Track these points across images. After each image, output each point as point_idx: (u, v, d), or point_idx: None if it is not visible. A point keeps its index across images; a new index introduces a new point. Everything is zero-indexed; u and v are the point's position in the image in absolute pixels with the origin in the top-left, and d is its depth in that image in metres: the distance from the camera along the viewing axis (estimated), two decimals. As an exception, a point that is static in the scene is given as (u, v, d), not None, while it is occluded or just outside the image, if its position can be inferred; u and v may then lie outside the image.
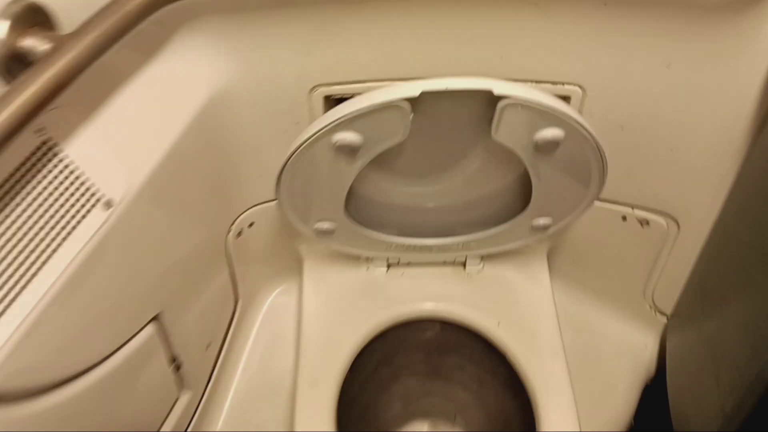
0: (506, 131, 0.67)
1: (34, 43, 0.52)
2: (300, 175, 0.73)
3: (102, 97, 0.62)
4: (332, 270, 1.00)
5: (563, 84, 0.76)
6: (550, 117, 0.66)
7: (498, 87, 0.62)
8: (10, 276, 0.52)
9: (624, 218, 0.94)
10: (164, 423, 0.85)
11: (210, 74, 0.74)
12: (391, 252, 0.93)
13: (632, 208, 0.93)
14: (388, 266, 0.99)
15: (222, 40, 0.71)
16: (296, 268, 1.03)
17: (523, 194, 0.82)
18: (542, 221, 0.85)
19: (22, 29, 0.52)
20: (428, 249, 0.93)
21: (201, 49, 0.71)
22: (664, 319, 1.05)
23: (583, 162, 0.72)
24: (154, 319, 0.75)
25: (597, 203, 0.92)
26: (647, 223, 0.93)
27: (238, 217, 0.94)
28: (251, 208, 0.94)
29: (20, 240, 0.53)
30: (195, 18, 0.69)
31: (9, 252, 0.53)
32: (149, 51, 0.68)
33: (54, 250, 0.56)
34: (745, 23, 0.66)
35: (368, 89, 0.70)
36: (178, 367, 0.85)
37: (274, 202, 0.90)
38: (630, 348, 1.09)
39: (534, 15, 0.69)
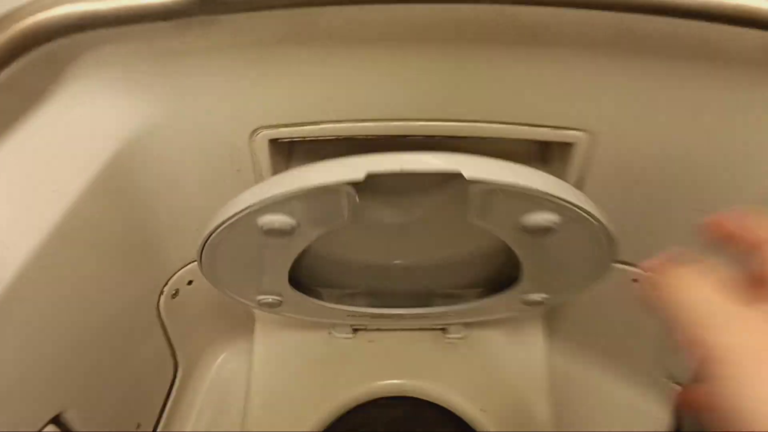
0: (484, 217, 0.51)
1: None
2: (227, 255, 0.58)
3: None
4: (288, 334, 0.84)
5: (566, 129, 0.60)
6: (541, 201, 0.49)
7: (470, 169, 0.46)
8: None
9: (635, 280, 0.78)
10: None
11: (120, 120, 0.58)
12: (354, 320, 0.78)
13: (645, 271, 0.76)
14: (354, 330, 0.83)
15: (135, 79, 0.56)
16: (248, 326, 0.88)
17: (512, 261, 0.66)
18: (536, 297, 0.69)
19: None
20: (398, 318, 0.77)
21: (106, 90, 0.56)
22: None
23: (586, 244, 0.56)
24: (54, 420, 0.60)
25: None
26: (665, 287, 0.77)
27: (173, 276, 0.78)
28: (188, 264, 0.79)
29: None
30: (96, 52, 0.53)
31: None
32: (32, 95, 0.53)
33: None
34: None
35: (321, 132, 0.58)
36: None
37: None
38: (640, 418, 0.92)
39: (531, 47, 0.52)
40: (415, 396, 0.81)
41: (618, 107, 0.58)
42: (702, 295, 0.29)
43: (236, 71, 0.56)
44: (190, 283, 0.80)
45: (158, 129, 0.60)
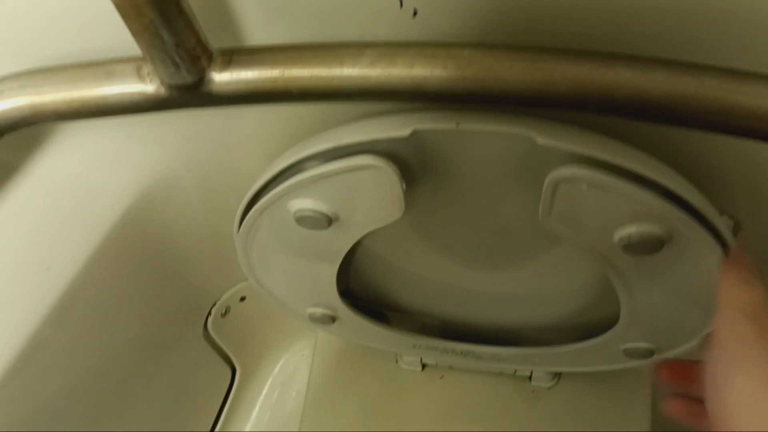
0: (563, 219, 0.40)
1: None
2: (263, 250, 0.50)
3: None
4: (351, 352, 0.75)
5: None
6: (647, 202, 0.37)
7: (544, 134, 0.35)
8: None
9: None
10: None
11: (132, 172, 0.54)
12: (422, 353, 0.67)
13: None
14: (423, 366, 0.72)
15: (137, 135, 0.50)
16: (311, 331, 0.79)
17: (612, 297, 0.53)
18: (639, 345, 0.55)
19: None
20: (474, 357, 0.65)
21: (113, 147, 0.51)
22: None
23: (701, 272, 0.43)
24: None
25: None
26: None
27: (220, 298, 0.74)
28: (238, 284, 0.74)
29: None
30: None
31: None
32: (30, 155, 0.48)
33: None
34: None
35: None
36: None
37: None
38: None
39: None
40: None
41: None
42: (746, 296, 0.34)
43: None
44: (242, 299, 0.75)
45: (170, 178, 0.55)
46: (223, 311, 0.73)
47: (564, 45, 0.34)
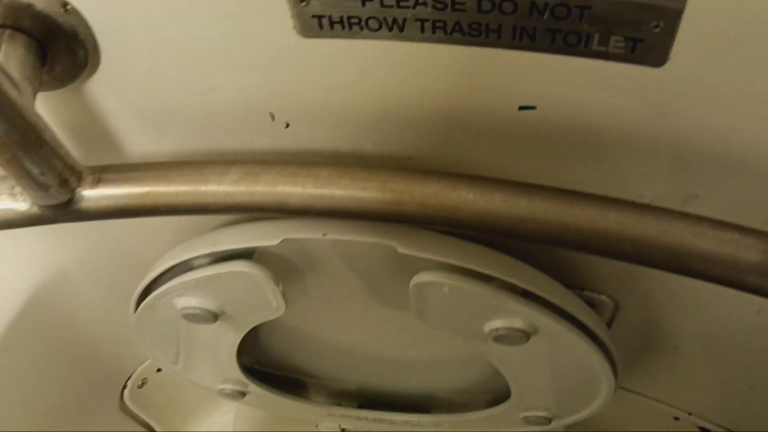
0: (433, 317, 0.41)
1: None
2: (158, 338, 0.51)
3: None
4: (271, 422, 0.75)
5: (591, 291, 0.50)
6: (503, 303, 0.39)
7: (404, 242, 0.37)
8: None
9: (676, 419, 0.66)
10: None
11: (31, 266, 0.54)
12: (338, 420, 0.68)
13: (689, 414, 0.64)
14: (342, 430, 0.73)
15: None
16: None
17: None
18: (538, 414, 0.57)
19: None
20: (389, 423, 0.67)
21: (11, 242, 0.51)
22: None
23: (574, 356, 0.45)
24: None
25: (641, 399, 0.65)
26: (707, 433, 0.64)
27: (135, 371, 0.73)
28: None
29: None
30: None
31: None
32: None
33: None
34: None
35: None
36: None
37: None
38: None
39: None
40: None
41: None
42: None
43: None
44: (159, 370, 0.74)
45: (65, 269, 0.55)
46: (140, 383, 0.73)
47: (422, 152, 0.36)
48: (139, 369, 0.72)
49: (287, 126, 0.40)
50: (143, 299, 0.46)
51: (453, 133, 0.38)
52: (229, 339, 0.49)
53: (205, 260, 0.41)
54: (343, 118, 0.39)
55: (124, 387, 0.72)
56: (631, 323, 0.52)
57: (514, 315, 0.40)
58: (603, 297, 0.50)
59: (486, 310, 0.40)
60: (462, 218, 0.34)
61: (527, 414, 0.58)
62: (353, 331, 0.56)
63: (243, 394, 0.62)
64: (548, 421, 0.58)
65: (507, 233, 0.34)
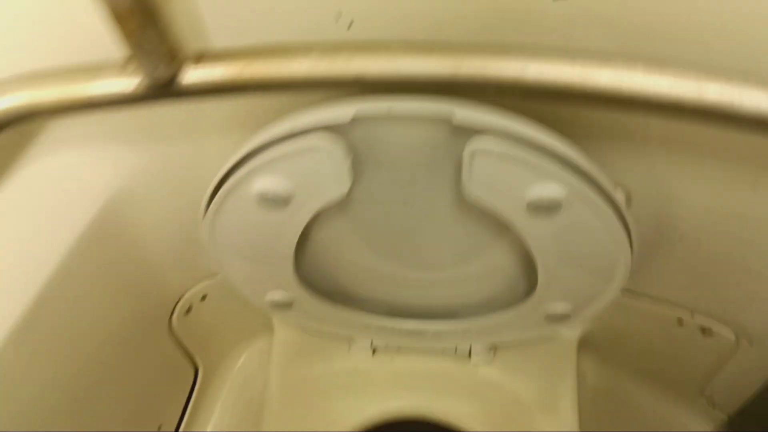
0: (480, 187, 0.48)
1: None
2: (228, 234, 0.57)
3: None
4: (307, 345, 0.81)
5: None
6: (544, 168, 0.46)
7: (460, 113, 0.44)
8: None
9: (680, 322, 0.73)
10: None
11: (106, 172, 0.60)
12: (370, 332, 0.75)
13: (692, 313, 0.71)
14: (374, 350, 0.79)
15: (114, 133, 0.57)
16: (269, 330, 0.85)
17: (530, 269, 0.62)
18: (559, 308, 0.64)
19: None
20: (418, 335, 0.73)
21: (88, 147, 0.58)
22: (722, 416, 0.82)
23: (597, 228, 0.52)
24: None
25: (646, 303, 0.72)
26: (710, 332, 0.71)
27: (183, 295, 0.80)
28: (200, 282, 0.80)
29: None
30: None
31: None
32: (15, 155, 0.54)
33: None
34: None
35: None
36: None
37: None
38: None
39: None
40: (434, 421, 0.76)
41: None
42: None
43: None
44: (203, 298, 0.81)
45: (142, 175, 0.61)
46: (186, 309, 0.79)
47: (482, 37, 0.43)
48: (188, 294, 0.78)
49: (350, 25, 0.46)
50: (219, 188, 0.52)
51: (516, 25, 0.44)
52: (293, 229, 0.55)
53: (281, 140, 0.47)
54: (407, 15, 0.46)
55: (173, 312, 0.78)
56: (640, 217, 0.58)
57: (553, 180, 0.46)
58: (618, 188, 0.56)
59: (528, 176, 0.46)
60: (523, 82, 0.40)
61: (549, 310, 0.64)
62: (391, 239, 0.62)
63: (289, 304, 0.68)
64: (567, 317, 0.65)
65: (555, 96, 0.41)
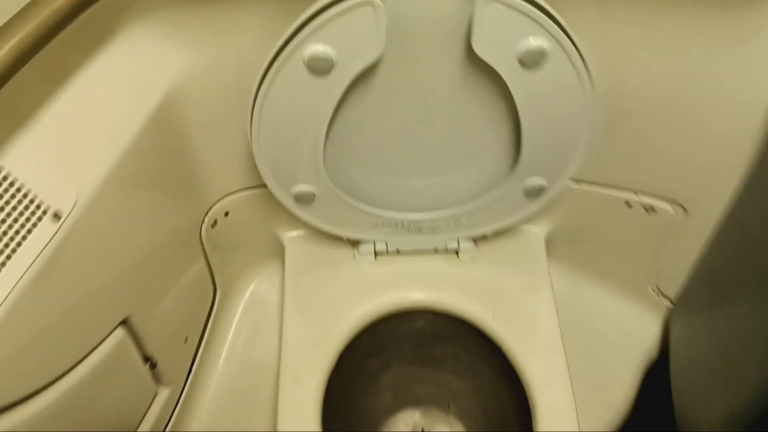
0: (485, 42, 0.63)
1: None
2: (274, 107, 0.69)
3: (40, 101, 0.59)
4: (316, 258, 0.93)
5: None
6: (536, 24, 0.62)
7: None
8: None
9: (628, 204, 0.90)
10: (143, 420, 0.81)
11: (168, 64, 0.71)
12: (377, 231, 0.88)
13: (637, 193, 0.88)
14: (376, 254, 0.92)
15: (180, 25, 0.69)
16: (278, 255, 0.98)
17: (512, 158, 0.78)
18: (536, 181, 0.79)
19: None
20: (417, 228, 0.87)
21: (157, 40, 0.69)
22: (668, 303, 0.99)
23: (571, 91, 0.68)
24: (123, 323, 0.72)
25: (600, 189, 0.88)
26: (653, 209, 0.88)
27: (212, 207, 0.90)
28: (225, 197, 0.91)
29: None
30: (148, 7, 0.66)
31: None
32: (95, 44, 0.64)
33: (2, 265, 0.53)
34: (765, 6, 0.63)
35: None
36: (153, 366, 0.81)
37: (248, 192, 0.90)
38: (632, 331, 1.02)
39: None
40: (433, 309, 0.89)
41: (609, 41, 0.70)
42: None
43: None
44: (226, 214, 0.92)
45: (200, 71, 0.73)
46: (213, 222, 0.90)
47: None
48: (215, 207, 0.89)
49: None
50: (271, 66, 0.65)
51: None
52: (333, 95, 0.67)
53: (329, 6, 0.61)
54: None
55: (203, 222, 0.88)
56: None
57: (542, 34, 0.62)
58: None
59: (522, 27, 0.62)
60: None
61: (528, 185, 0.80)
62: (408, 105, 0.75)
63: (312, 198, 0.81)
64: (543, 190, 0.81)
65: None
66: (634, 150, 0.82)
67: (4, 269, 0.52)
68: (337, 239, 0.93)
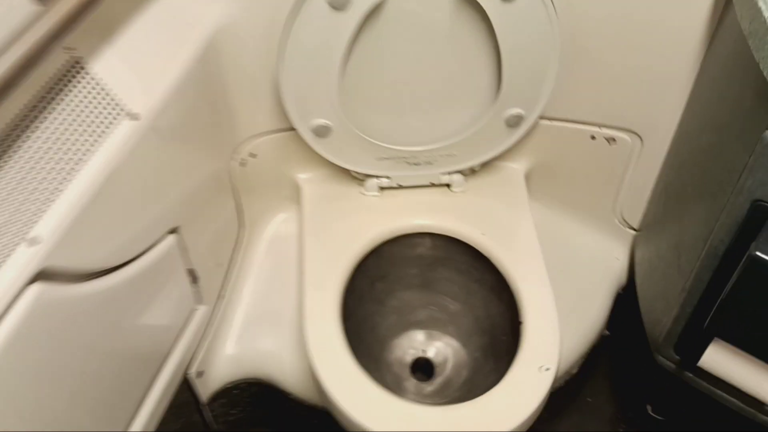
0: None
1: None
2: (297, 44, 0.85)
3: (123, 20, 0.72)
4: (328, 195, 1.09)
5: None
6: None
7: None
8: (53, 176, 0.59)
9: (593, 137, 1.06)
10: (183, 332, 0.91)
11: (214, 11, 0.87)
12: (381, 164, 1.03)
13: (600, 127, 1.05)
14: (381, 188, 1.07)
15: None
16: (296, 199, 1.12)
17: (495, 95, 0.94)
18: (514, 111, 0.95)
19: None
20: (415, 160, 1.02)
21: None
22: (632, 233, 1.15)
23: (540, 23, 0.85)
24: (173, 231, 0.84)
25: (568, 125, 1.05)
26: (614, 140, 1.05)
27: (240, 146, 1.05)
28: (253, 138, 1.05)
29: (58, 145, 0.61)
30: None
31: (50, 154, 0.60)
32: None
33: (88, 156, 0.63)
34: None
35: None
36: (195, 279, 0.92)
37: (272, 136, 1.04)
38: (602, 260, 1.19)
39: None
40: (431, 231, 1.04)
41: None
42: None
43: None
44: (253, 155, 1.06)
45: (239, 17, 0.88)
46: (241, 161, 1.05)
47: None
48: (246, 147, 1.04)
49: None
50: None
51: None
52: (349, 28, 0.82)
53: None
54: None
55: (233, 159, 1.03)
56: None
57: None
58: None
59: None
60: None
61: (508, 114, 0.96)
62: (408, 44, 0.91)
63: (328, 130, 0.96)
64: (521, 119, 0.97)
65: None
66: (594, 84, 0.98)
67: (91, 160, 0.63)
68: (346, 180, 1.09)
